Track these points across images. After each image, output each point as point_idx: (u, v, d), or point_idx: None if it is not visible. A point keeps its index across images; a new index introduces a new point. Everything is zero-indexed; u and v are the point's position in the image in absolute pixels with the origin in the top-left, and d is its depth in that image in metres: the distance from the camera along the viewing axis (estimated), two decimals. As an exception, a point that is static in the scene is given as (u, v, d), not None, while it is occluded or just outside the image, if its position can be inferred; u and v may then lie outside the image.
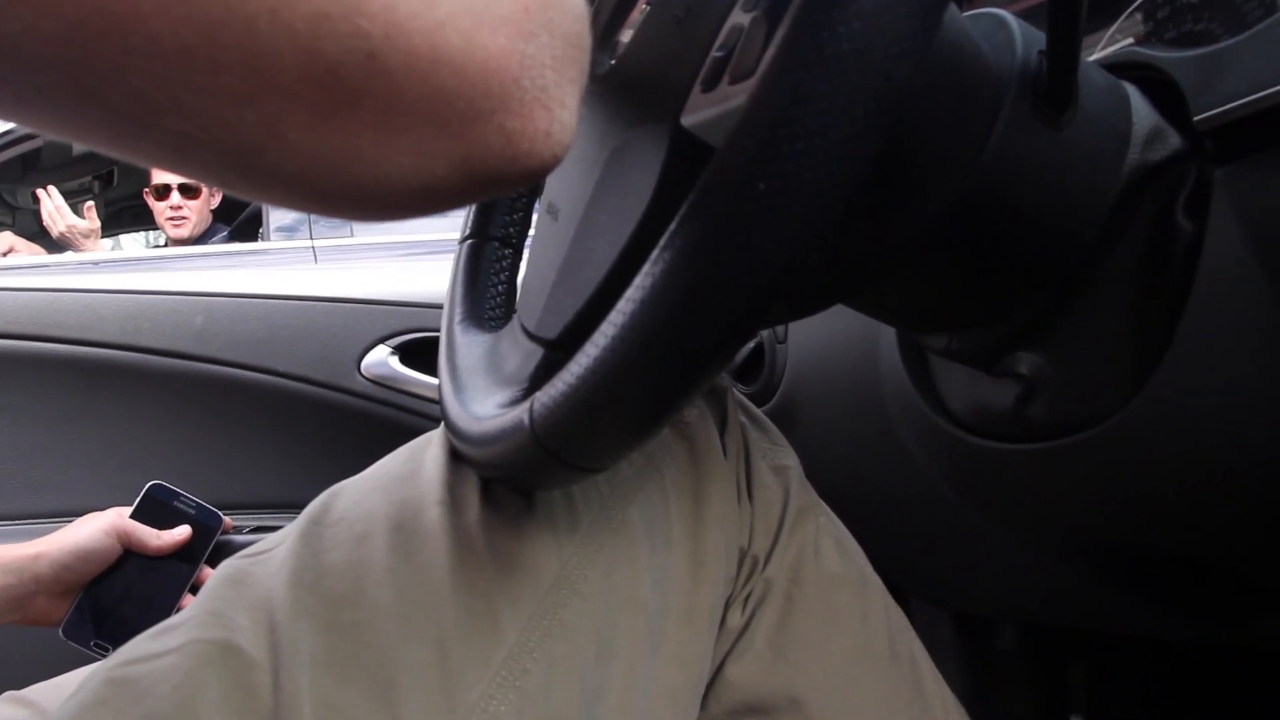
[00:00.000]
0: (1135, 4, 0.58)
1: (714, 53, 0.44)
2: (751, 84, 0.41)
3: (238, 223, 3.21)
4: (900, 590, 0.78)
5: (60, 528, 1.07)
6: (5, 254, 3.00)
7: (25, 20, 0.21)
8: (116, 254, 2.89)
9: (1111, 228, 0.49)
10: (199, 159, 0.27)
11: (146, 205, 3.20)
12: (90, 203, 2.98)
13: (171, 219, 3.07)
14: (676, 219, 0.34)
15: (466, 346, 0.61)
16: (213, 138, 0.25)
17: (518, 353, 0.55)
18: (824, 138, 0.31)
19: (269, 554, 0.54)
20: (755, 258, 0.32)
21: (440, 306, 1.34)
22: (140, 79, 0.23)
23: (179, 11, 0.22)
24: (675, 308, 0.34)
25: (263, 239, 2.73)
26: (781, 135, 0.31)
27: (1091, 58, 0.57)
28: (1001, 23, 0.50)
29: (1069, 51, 0.45)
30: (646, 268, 0.35)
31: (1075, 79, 0.46)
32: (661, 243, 0.34)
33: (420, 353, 1.35)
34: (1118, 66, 0.53)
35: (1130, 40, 0.57)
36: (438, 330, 1.33)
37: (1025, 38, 0.49)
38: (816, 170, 0.31)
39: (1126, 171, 0.48)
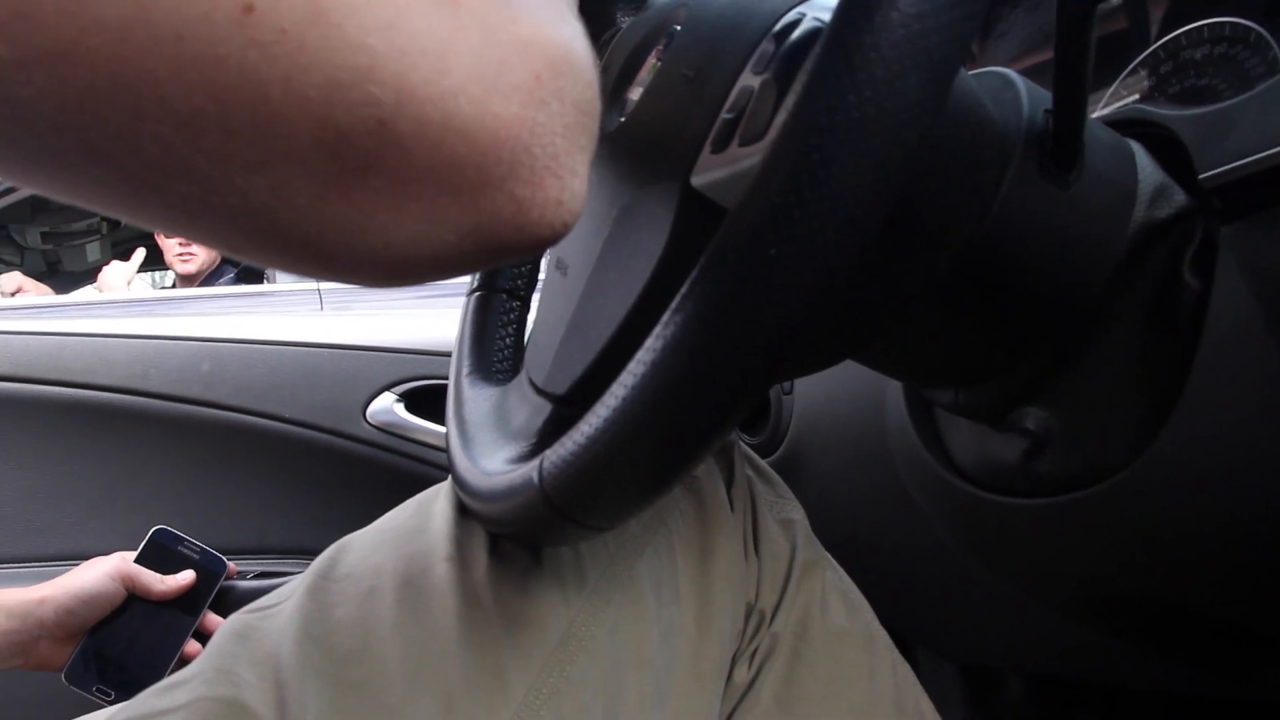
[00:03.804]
0: (1138, 60, 0.58)
1: (724, 114, 0.45)
2: (762, 148, 0.41)
3: (245, 264, 3.23)
4: (905, 641, 0.78)
5: (65, 571, 1.07)
6: (13, 294, 3.02)
7: (37, 84, 0.21)
8: (123, 295, 2.90)
9: (1118, 284, 0.49)
10: (208, 223, 0.26)
11: (152, 245, 3.23)
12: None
13: (180, 255, 3.12)
14: (688, 282, 0.34)
15: (474, 400, 0.61)
16: (222, 203, 0.25)
17: (525, 407, 0.55)
18: (834, 203, 0.31)
19: (276, 608, 0.54)
20: (766, 321, 0.32)
21: (445, 354, 1.35)
22: (150, 143, 0.23)
23: (191, 77, 0.22)
24: (687, 370, 0.34)
25: (269, 280, 2.75)
26: (792, 201, 0.31)
27: (1095, 114, 0.57)
28: (1008, 81, 0.51)
29: (1075, 111, 0.46)
30: (658, 330, 0.35)
31: (1081, 138, 0.47)
32: (673, 305, 0.35)
33: (426, 400, 1.35)
34: (1123, 124, 0.53)
35: (1133, 97, 0.57)
36: (443, 378, 1.34)
37: (1031, 96, 0.49)
38: (826, 235, 0.31)
39: (1132, 229, 0.48)
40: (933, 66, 0.31)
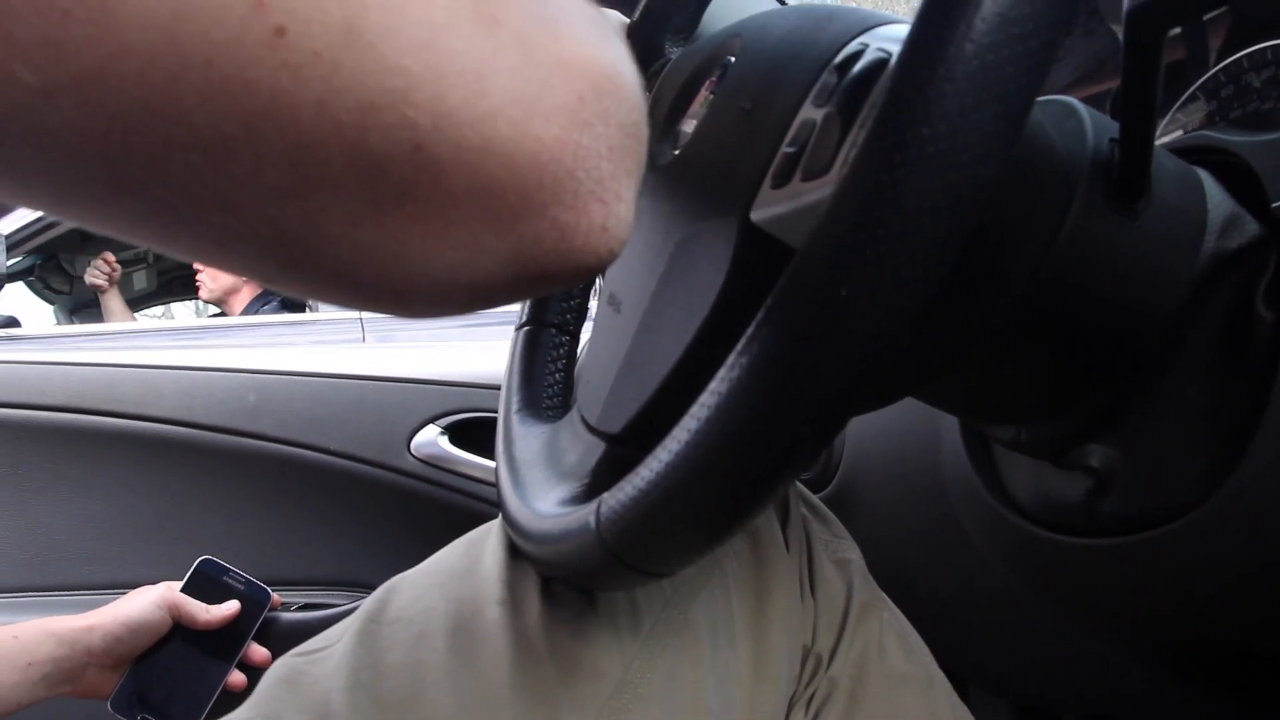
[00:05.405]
0: (1197, 84, 0.57)
1: (785, 148, 0.44)
2: (829, 184, 0.40)
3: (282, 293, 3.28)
4: (958, 678, 0.76)
5: (113, 600, 1.08)
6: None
7: (65, 114, 0.21)
8: (170, 323, 2.96)
9: (1187, 317, 0.47)
10: (239, 252, 0.26)
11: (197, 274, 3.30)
12: None
13: (198, 280, 3.24)
14: (754, 323, 0.33)
15: (524, 437, 0.60)
16: (253, 231, 0.24)
17: (578, 446, 0.54)
18: (907, 241, 0.30)
19: (325, 652, 0.53)
20: (836, 363, 0.31)
21: (488, 387, 1.35)
22: (180, 171, 0.22)
23: (220, 103, 0.21)
24: (753, 414, 0.33)
25: (311, 309, 2.77)
26: (864, 240, 0.30)
27: (1158, 141, 0.56)
28: (1070, 110, 0.49)
29: (1143, 138, 0.44)
30: (723, 372, 0.34)
31: (1149, 166, 0.45)
32: (739, 346, 0.34)
33: (470, 433, 1.35)
34: (1189, 151, 0.52)
35: (1193, 122, 0.56)
36: (487, 411, 1.34)
37: (1096, 125, 0.48)
38: (899, 274, 0.30)
39: (1203, 259, 0.47)
40: (1008, 98, 0.30)
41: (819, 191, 0.41)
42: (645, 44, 0.65)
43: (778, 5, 1.03)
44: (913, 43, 0.31)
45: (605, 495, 0.40)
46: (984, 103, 0.29)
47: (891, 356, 0.32)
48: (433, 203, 0.25)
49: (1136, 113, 0.44)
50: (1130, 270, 0.46)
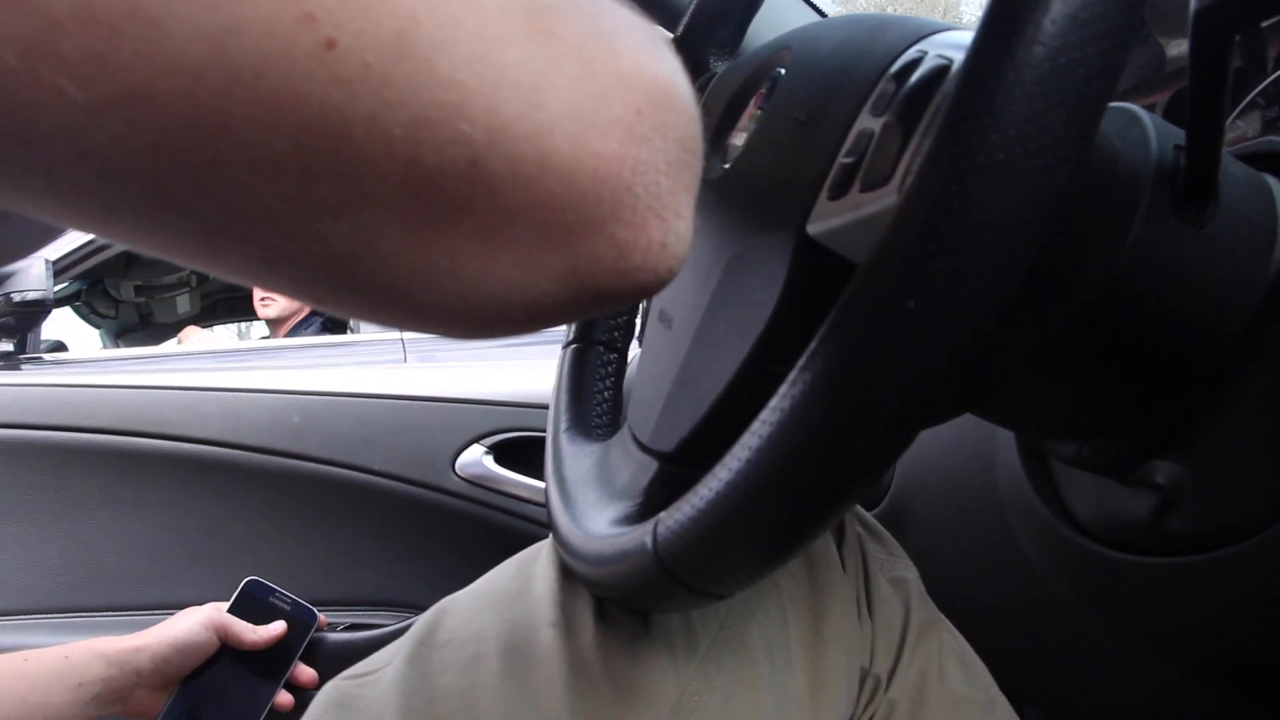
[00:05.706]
0: (1257, 90, 0.56)
1: (842, 158, 0.43)
2: (889, 194, 0.39)
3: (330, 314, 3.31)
4: (1015, 698, 0.75)
5: (161, 620, 1.08)
6: None
7: (112, 130, 0.20)
8: (213, 346, 3.00)
9: (1258, 328, 0.46)
10: (289, 273, 0.25)
11: (240, 298, 3.34)
12: None
13: (261, 299, 3.28)
14: (817, 338, 0.32)
15: (574, 457, 0.60)
16: (303, 250, 0.24)
17: (629, 464, 0.53)
18: (978, 253, 0.29)
19: (375, 675, 0.53)
20: (903, 379, 0.30)
21: (532, 406, 1.34)
22: (228, 189, 0.22)
23: (269, 118, 0.21)
24: (817, 432, 0.32)
25: (353, 331, 2.80)
26: (931, 251, 0.29)
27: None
28: (1134, 117, 0.48)
29: (1210, 145, 0.43)
30: (784, 389, 0.33)
31: (1217, 173, 0.44)
32: (800, 362, 0.33)
33: (515, 452, 1.35)
34: (1255, 157, 0.51)
35: (1253, 128, 0.55)
36: (531, 430, 1.34)
37: (1159, 132, 0.47)
38: (969, 286, 0.29)
39: (1274, 268, 0.45)
40: (1080, 102, 0.29)
41: (879, 202, 0.40)
42: (690, 59, 0.65)
43: (820, 18, 1.02)
44: (979, 46, 0.30)
45: (662, 515, 0.39)
46: (1055, 106, 0.28)
47: (959, 371, 0.31)
48: (488, 219, 0.24)
49: (1203, 118, 0.43)
50: (1198, 280, 0.45)
